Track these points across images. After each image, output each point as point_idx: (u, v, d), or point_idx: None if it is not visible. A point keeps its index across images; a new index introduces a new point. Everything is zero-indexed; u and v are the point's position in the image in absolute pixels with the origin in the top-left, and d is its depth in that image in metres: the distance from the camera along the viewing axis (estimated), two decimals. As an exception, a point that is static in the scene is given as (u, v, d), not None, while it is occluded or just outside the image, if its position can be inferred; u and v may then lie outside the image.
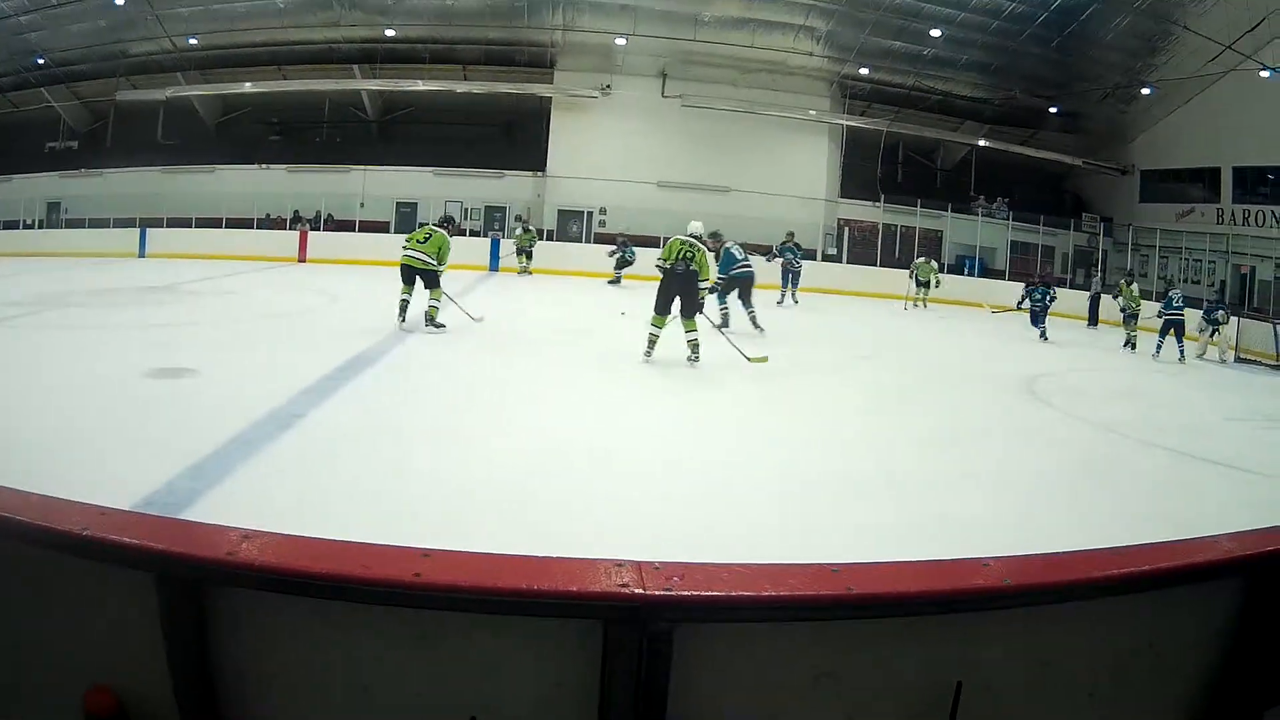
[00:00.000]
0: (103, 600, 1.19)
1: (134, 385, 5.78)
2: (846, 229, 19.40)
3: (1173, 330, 10.72)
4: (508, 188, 18.40)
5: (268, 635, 1.13)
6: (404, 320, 8.19)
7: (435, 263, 8.09)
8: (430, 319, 8.19)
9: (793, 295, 13.86)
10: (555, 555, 1.06)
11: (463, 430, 4.95)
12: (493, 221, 18.26)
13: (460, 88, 18.52)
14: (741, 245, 10.43)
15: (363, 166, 18.42)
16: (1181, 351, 10.81)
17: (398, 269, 8.37)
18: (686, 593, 0.98)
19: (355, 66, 18.81)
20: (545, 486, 3.95)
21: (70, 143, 20.56)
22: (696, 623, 1.01)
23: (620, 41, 18.70)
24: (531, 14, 18.50)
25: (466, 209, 18.17)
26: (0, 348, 7.66)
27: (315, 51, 18.90)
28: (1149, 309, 12.18)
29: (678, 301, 7.13)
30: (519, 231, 16.17)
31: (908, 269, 16.42)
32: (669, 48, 18.96)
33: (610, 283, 15.04)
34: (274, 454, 4.29)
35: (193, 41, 19.37)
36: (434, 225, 8.59)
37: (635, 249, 15.23)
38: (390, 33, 18.70)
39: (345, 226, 18.23)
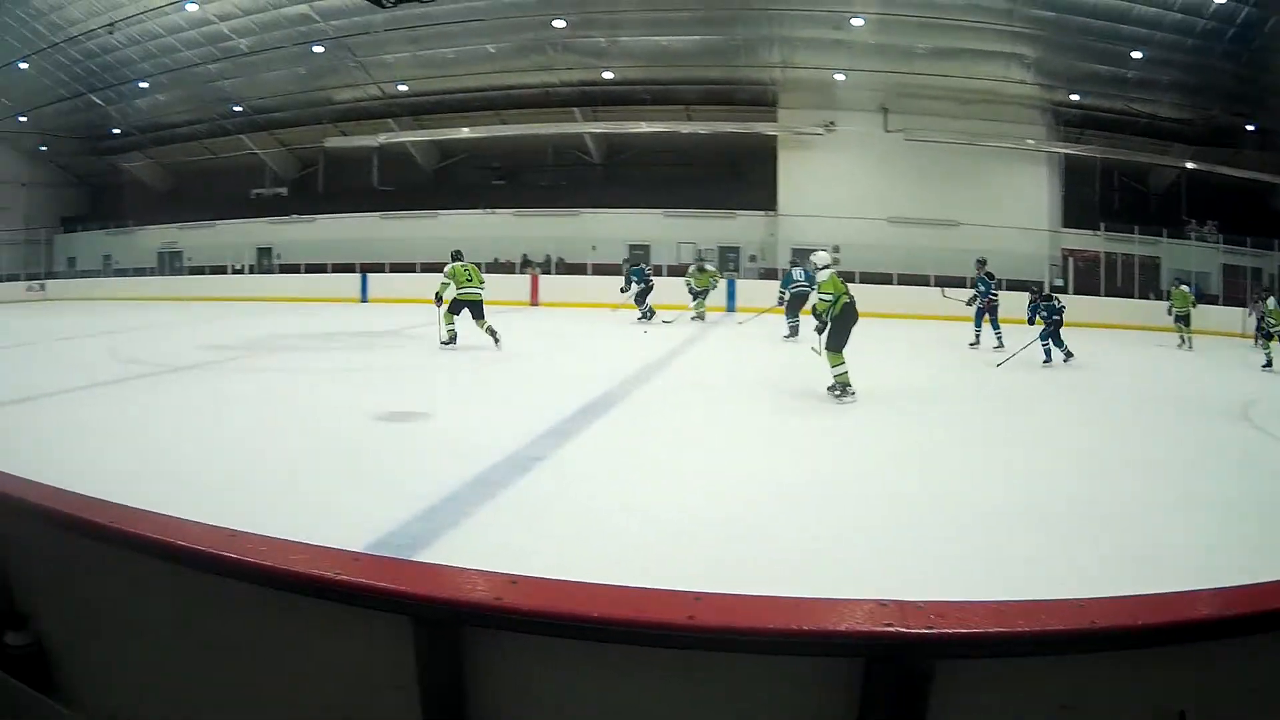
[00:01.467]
0: (352, 643, 1.28)
1: (364, 428, 5.98)
2: (1070, 259, 20.03)
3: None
4: (740, 228, 19.11)
5: (532, 677, 1.20)
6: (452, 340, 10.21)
7: None
8: (494, 337, 10.08)
9: (995, 335, 11.84)
10: (813, 596, 1.13)
11: (697, 473, 4.98)
12: (727, 262, 18.91)
13: (684, 128, 19.21)
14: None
15: (591, 210, 19.09)
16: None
17: (458, 304, 10.17)
18: (947, 630, 1.03)
19: (575, 109, 19.49)
20: (781, 527, 3.99)
21: (278, 189, 21.30)
22: (954, 659, 1.06)
23: (839, 77, 19.37)
24: (748, 52, 19.24)
25: (700, 250, 18.80)
26: (227, 391, 8.04)
27: (532, 95, 19.64)
28: None
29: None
30: (693, 269, 15.41)
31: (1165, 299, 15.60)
32: (887, 81, 19.67)
33: (641, 318, 14.42)
34: (514, 497, 4.34)
35: (402, 88, 20.12)
36: (464, 264, 10.32)
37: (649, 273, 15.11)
38: (608, 75, 19.40)
39: (576, 270, 18.92)
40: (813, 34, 19.27)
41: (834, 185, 19.29)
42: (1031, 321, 10.90)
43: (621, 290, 14.60)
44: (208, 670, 1.48)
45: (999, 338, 11.70)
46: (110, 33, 20.45)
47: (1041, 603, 1.11)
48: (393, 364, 9.85)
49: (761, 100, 19.57)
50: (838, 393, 7.07)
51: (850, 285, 7.30)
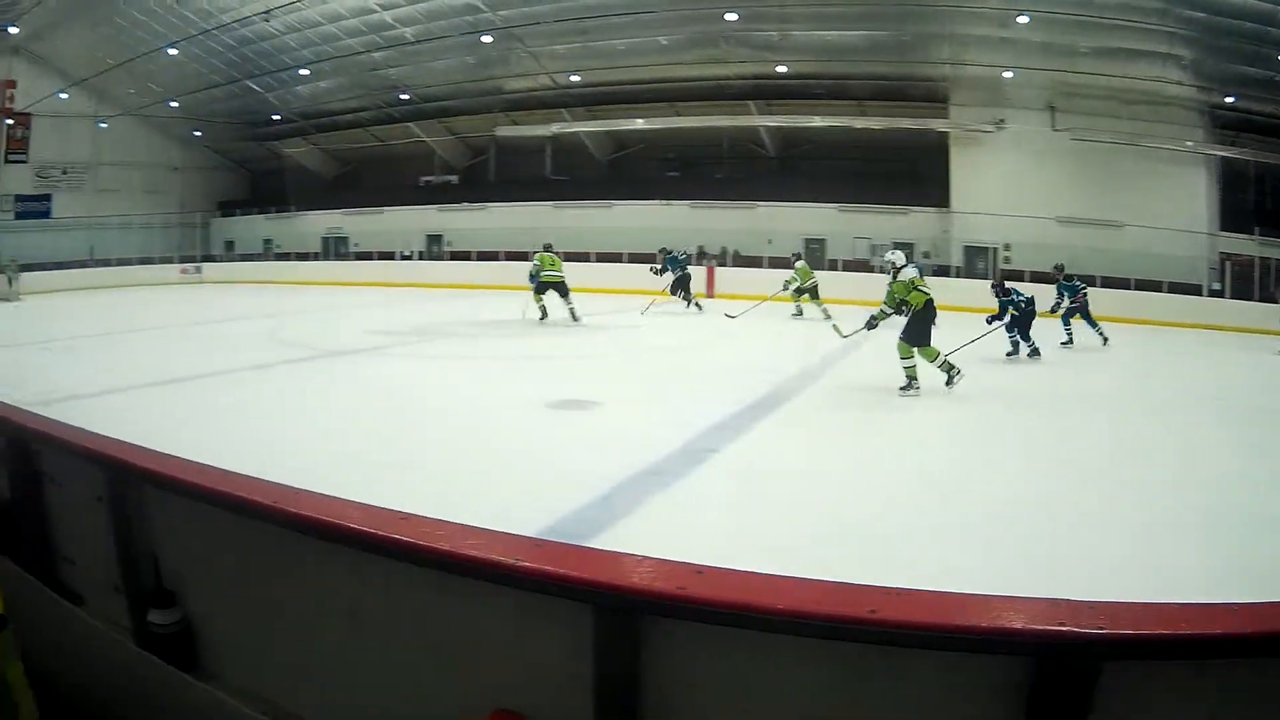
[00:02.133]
0: (527, 629, 1.27)
1: (536, 415, 6.07)
2: (1227, 263, 20.41)
3: None
4: (914, 224, 19.45)
5: (709, 668, 1.19)
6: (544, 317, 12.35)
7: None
8: (574, 315, 12.31)
9: (1065, 331, 11.66)
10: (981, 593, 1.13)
11: (874, 472, 4.94)
12: (902, 258, 19.26)
13: (858, 123, 19.52)
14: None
15: (766, 203, 19.44)
16: None
17: (537, 289, 12.43)
18: (1117, 632, 1.02)
19: (750, 103, 19.80)
20: (954, 531, 3.90)
21: (448, 176, 21.57)
22: (1122, 661, 1.05)
23: (1007, 75, 19.71)
24: (918, 49, 19.56)
25: (874, 246, 19.17)
26: (394, 376, 8.16)
27: (706, 88, 19.93)
28: None
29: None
30: (800, 264, 14.96)
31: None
32: (1053, 80, 20.01)
33: (690, 305, 14.69)
34: (687, 488, 4.35)
35: (574, 78, 20.39)
36: (549, 253, 12.69)
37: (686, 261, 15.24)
38: (781, 69, 19.70)
39: (753, 262, 19.27)
40: (980, 31, 19.58)
41: (1004, 183, 19.63)
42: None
43: (656, 273, 15.01)
44: (368, 653, 1.46)
45: (1069, 334, 11.60)
46: (266, 20, 20.71)
47: (1207, 606, 1.10)
48: (563, 352, 9.93)
49: (933, 96, 19.89)
50: (903, 385, 7.12)
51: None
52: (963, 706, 1.12)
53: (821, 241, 19.32)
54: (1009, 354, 9.99)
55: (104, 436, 2.06)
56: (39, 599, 2.08)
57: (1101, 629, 1.02)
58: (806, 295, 14.53)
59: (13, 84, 24.07)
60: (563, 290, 12.39)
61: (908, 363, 7.18)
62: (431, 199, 21.08)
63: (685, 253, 16.04)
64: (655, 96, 20.11)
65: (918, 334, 7.17)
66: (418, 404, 6.58)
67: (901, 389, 7.16)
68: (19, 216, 24.22)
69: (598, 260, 19.55)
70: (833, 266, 19.42)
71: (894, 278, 7.44)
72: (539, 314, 12.35)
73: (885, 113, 19.76)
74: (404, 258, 20.71)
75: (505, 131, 20.66)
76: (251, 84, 22.59)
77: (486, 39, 20.22)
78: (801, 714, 1.16)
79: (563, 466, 4.69)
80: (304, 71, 21.93)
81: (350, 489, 1.68)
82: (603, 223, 19.81)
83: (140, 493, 1.85)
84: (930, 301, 7.22)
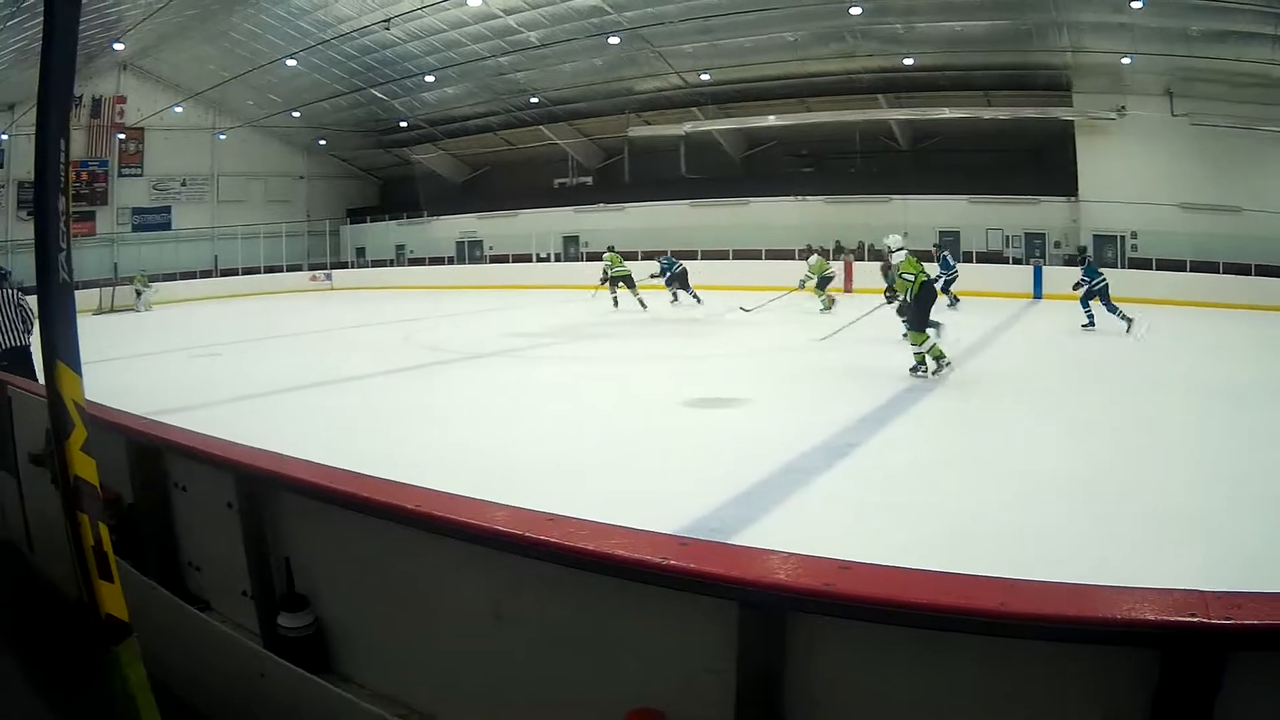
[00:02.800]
0: (672, 627, 1.27)
1: (675, 414, 6.14)
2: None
3: None
4: (1043, 214, 19.97)
5: (852, 663, 1.19)
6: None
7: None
8: (642, 304, 14.56)
9: (1114, 316, 11.75)
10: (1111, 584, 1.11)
11: (1017, 468, 4.81)
12: (1033, 249, 19.84)
13: (985, 114, 19.98)
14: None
15: (900, 196, 19.95)
16: None
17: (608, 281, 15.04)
18: (1245, 622, 1.00)
19: (879, 96, 20.23)
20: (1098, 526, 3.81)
21: (583, 178, 21.98)
22: (1249, 651, 1.02)
23: (1125, 61, 20.16)
24: (1039, 37, 19.93)
25: (1007, 236, 19.75)
26: (535, 377, 8.30)
27: (836, 83, 20.34)
28: None
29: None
30: (814, 259, 15.58)
31: None
32: (1169, 65, 20.42)
33: (673, 301, 15.61)
34: (828, 483, 4.32)
35: (704, 77, 20.79)
36: (614, 253, 15.27)
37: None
38: (908, 61, 20.11)
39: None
40: (1097, 18, 20.00)
41: (1129, 170, 20.11)
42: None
43: (651, 276, 16.08)
44: (509, 653, 1.48)
45: (1122, 316, 11.62)
46: (386, 28, 21.05)
47: None
48: (701, 351, 10.03)
49: (1056, 85, 20.30)
50: (925, 370, 7.19)
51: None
52: (1091, 698, 1.10)
53: (955, 233, 19.88)
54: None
55: (234, 443, 2.07)
56: (163, 605, 2.08)
57: (1228, 618, 1.00)
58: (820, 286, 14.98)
59: (122, 99, 24.48)
60: (630, 283, 14.75)
61: (925, 347, 7.39)
62: (567, 200, 21.53)
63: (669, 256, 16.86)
64: (786, 93, 20.51)
65: (917, 317, 7.35)
66: (554, 405, 6.70)
67: (921, 374, 7.43)
68: (137, 229, 24.76)
69: (735, 258, 20.12)
70: (968, 259, 20.00)
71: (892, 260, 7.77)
72: (613, 305, 14.66)
73: (1011, 102, 20.20)
74: (540, 260, 21.24)
75: (638, 132, 21.07)
76: (376, 92, 22.93)
77: (613, 40, 20.53)
78: (943, 709, 1.17)
79: (702, 464, 4.73)
80: (429, 78, 22.24)
81: (491, 490, 1.70)
82: (739, 220, 20.33)
83: (273, 498, 1.86)
84: (925, 285, 7.40)
